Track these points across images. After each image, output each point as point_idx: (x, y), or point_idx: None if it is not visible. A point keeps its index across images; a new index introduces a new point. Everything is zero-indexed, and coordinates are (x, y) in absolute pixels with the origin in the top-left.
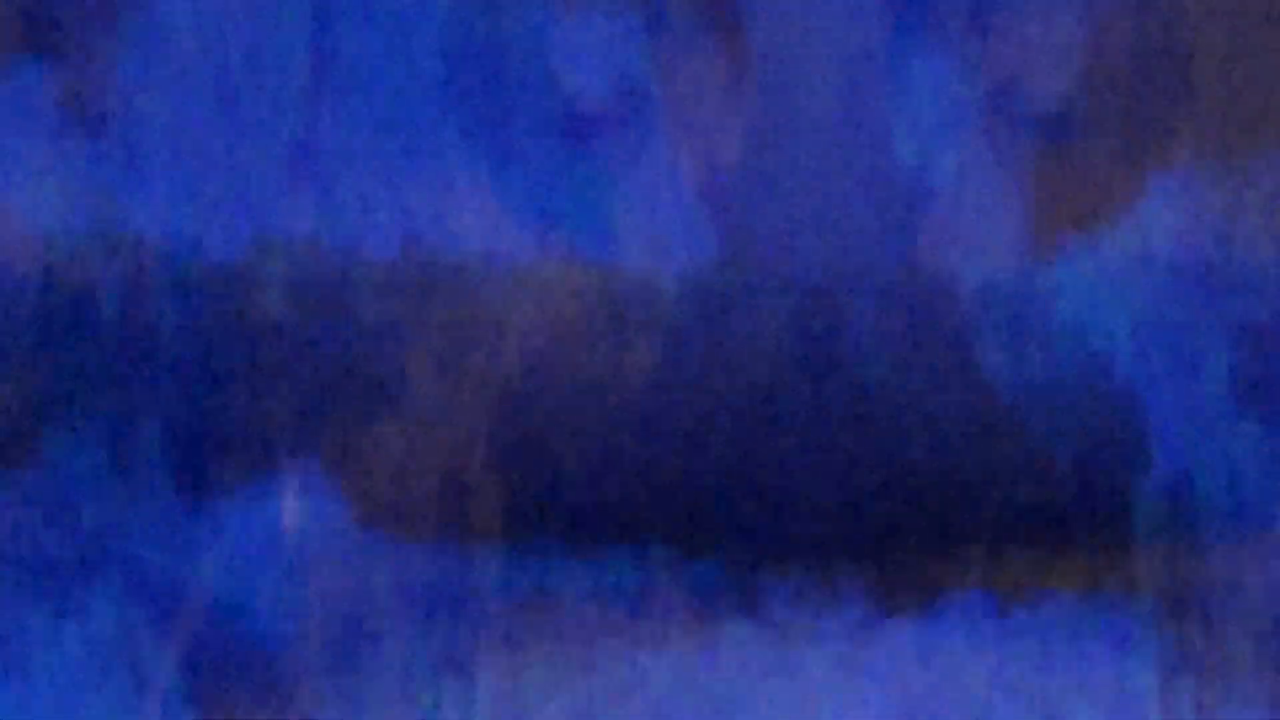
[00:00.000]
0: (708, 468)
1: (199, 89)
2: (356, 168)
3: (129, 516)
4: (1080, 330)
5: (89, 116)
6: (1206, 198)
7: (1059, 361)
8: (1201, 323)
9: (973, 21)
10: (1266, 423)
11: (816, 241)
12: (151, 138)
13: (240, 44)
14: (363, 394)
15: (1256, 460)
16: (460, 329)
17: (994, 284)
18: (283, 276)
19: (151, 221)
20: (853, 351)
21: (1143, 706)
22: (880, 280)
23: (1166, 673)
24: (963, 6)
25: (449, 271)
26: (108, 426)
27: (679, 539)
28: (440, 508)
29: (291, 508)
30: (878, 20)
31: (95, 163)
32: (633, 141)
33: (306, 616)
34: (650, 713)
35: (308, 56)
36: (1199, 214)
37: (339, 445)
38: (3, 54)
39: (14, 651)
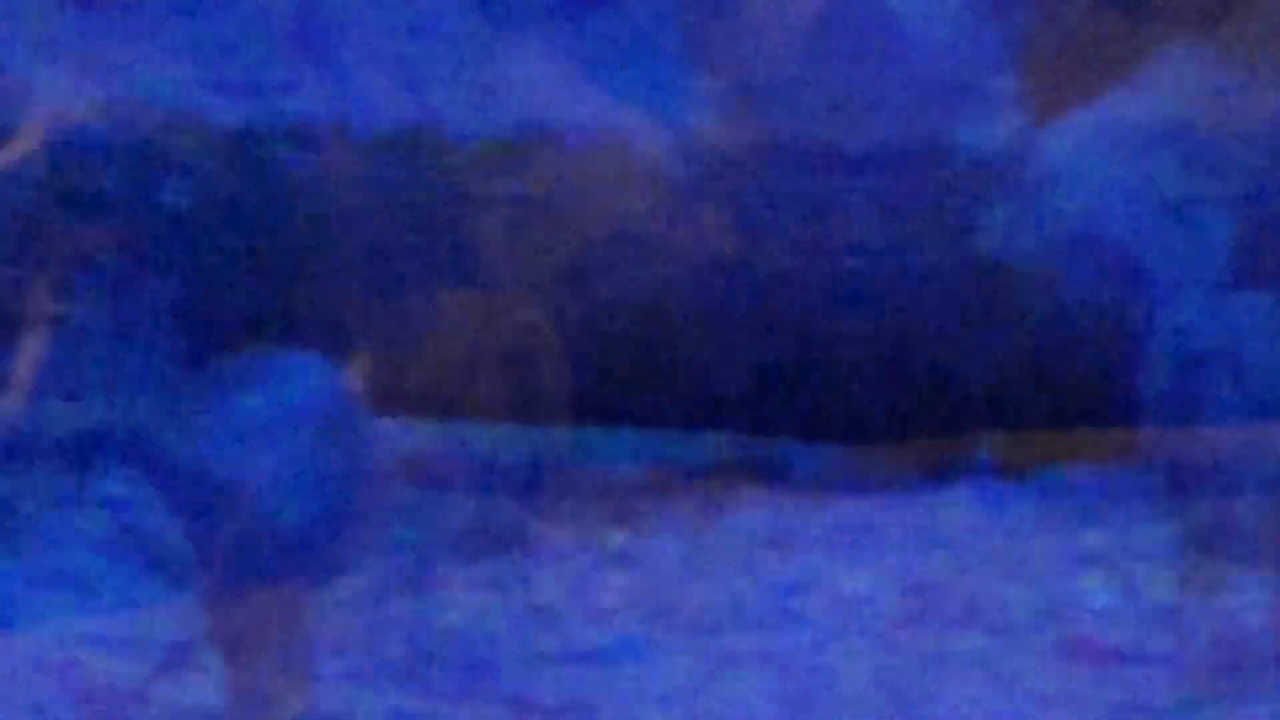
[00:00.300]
0: (718, 341)
1: None
2: (371, 41)
3: (139, 393)
4: (1079, 199)
5: None
6: (1208, 66)
7: (1058, 231)
8: (1202, 192)
9: None
10: (1267, 291)
11: (817, 109)
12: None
13: None
14: (380, 272)
15: (1257, 329)
16: (484, 205)
17: (993, 151)
18: (298, 148)
19: (161, 90)
20: (855, 221)
21: (1152, 581)
22: (880, 148)
23: (1175, 547)
24: None
25: (468, 145)
26: (118, 302)
27: (703, 413)
28: (484, 386)
29: (304, 386)
30: None
31: (102, 35)
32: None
33: (317, 494)
34: (683, 579)
35: None
36: (1200, 82)
37: (350, 325)
38: None
39: (25, 528)
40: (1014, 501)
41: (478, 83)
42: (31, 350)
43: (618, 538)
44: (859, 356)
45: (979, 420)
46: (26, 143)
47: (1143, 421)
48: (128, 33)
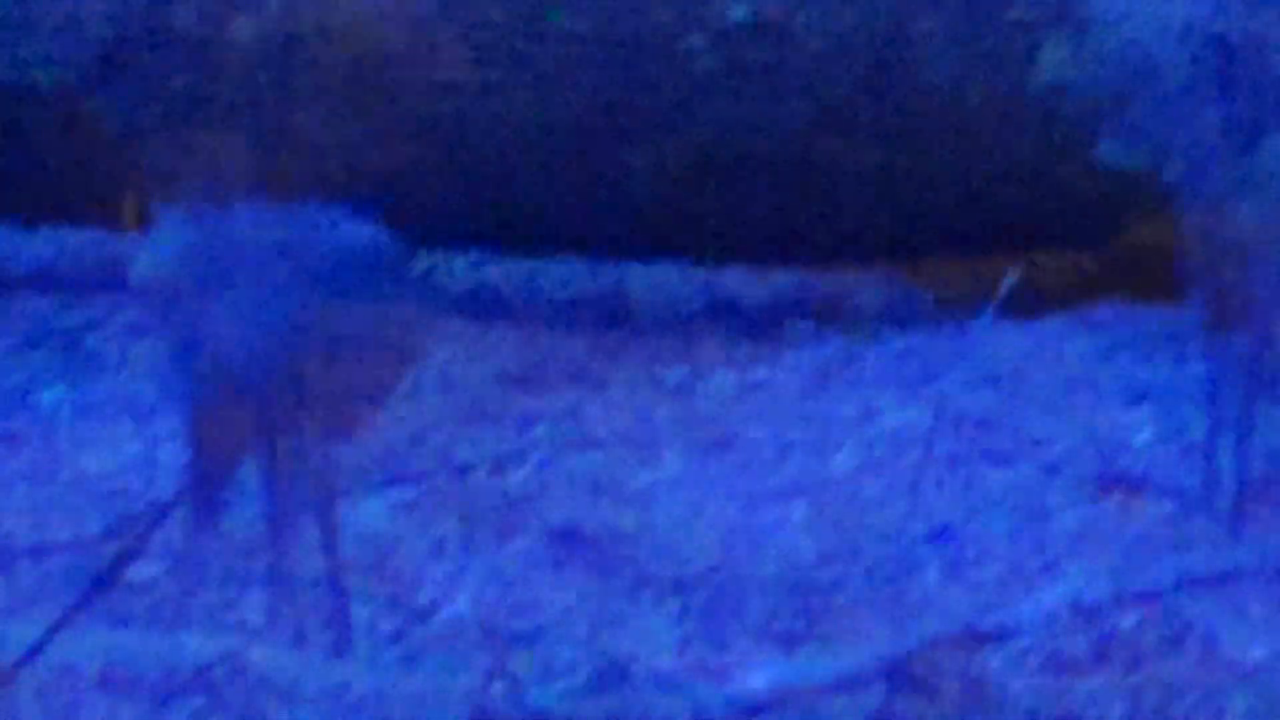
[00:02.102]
0: (765, 169)
1: None
2: None
3: None
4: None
5: None
6: None
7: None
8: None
9: None
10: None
11: None
12: None
13: None
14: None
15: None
16: None
17: None
18: None
19: None
20: (914, 55)
21: (1187, 412)
22: None
23: (1212, 378)
24: None
25: None
26: None
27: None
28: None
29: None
30: None
31: None
32: None
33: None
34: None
35: None
36: None
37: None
38: None
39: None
40: (1064, 335)
41: None
42: None
43: (676, 373)
44: (911, 184)
45: (1026, 245)
46: None
47: (1185, 257)
48: None
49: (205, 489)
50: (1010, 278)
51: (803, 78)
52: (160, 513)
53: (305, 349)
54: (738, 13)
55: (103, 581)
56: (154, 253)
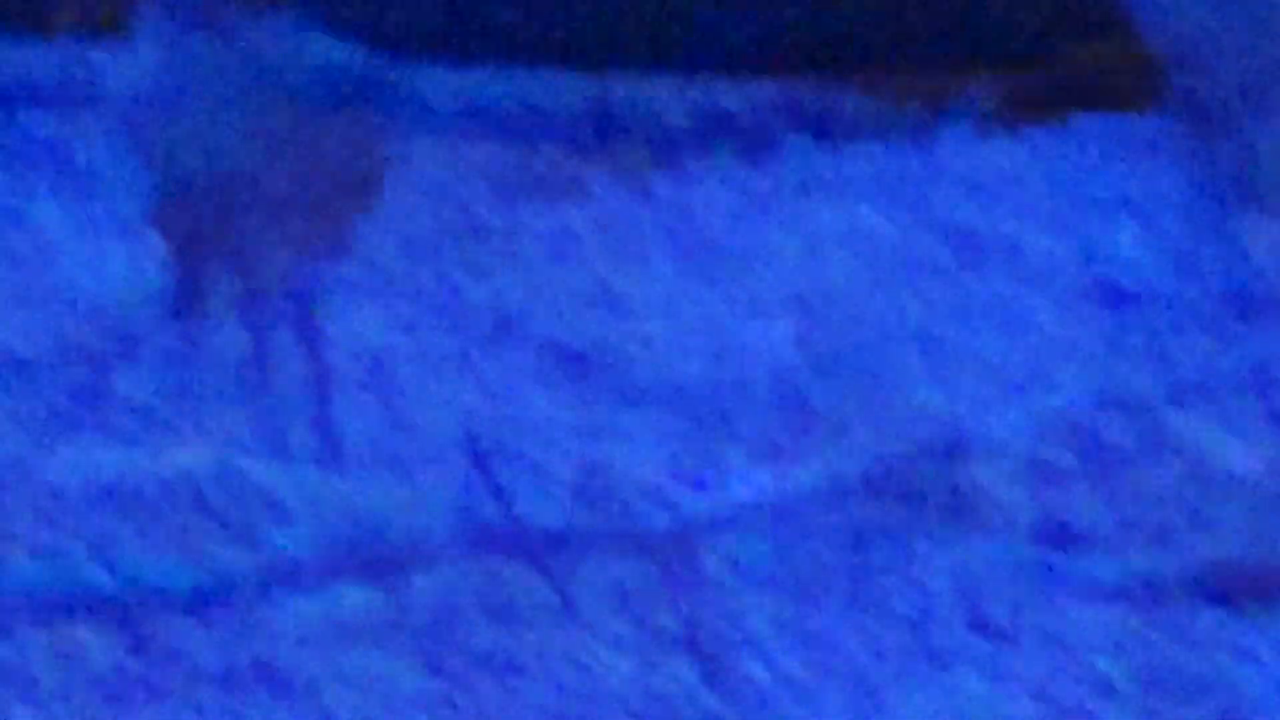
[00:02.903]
0: None
1: None
2: None
3: None
4: None
5: None
6: None
7: None
8: None
9: None
10: None
11: None
12: None
13: None
14: None
15: None
16: None
17: None
18: None
19: None
20: None
21: (1167, 219)
22: None
23: (1192, 186)
24: None
25: None
26: None
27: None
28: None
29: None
30: None
31: None
32: None
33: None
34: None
35: None
36: None
37: None
38: None
39: None
40: (1048, 146)
41: None
42: None
43: (664, 184)
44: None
45: (989, 64)
46: None
47: (1154, 63)
48: None
49: (185, 299)
50: (985, 90)
51: None
52: (144, 322)
53: (275, 162)
54: None
55: (89, 392)
56: (129, 65)
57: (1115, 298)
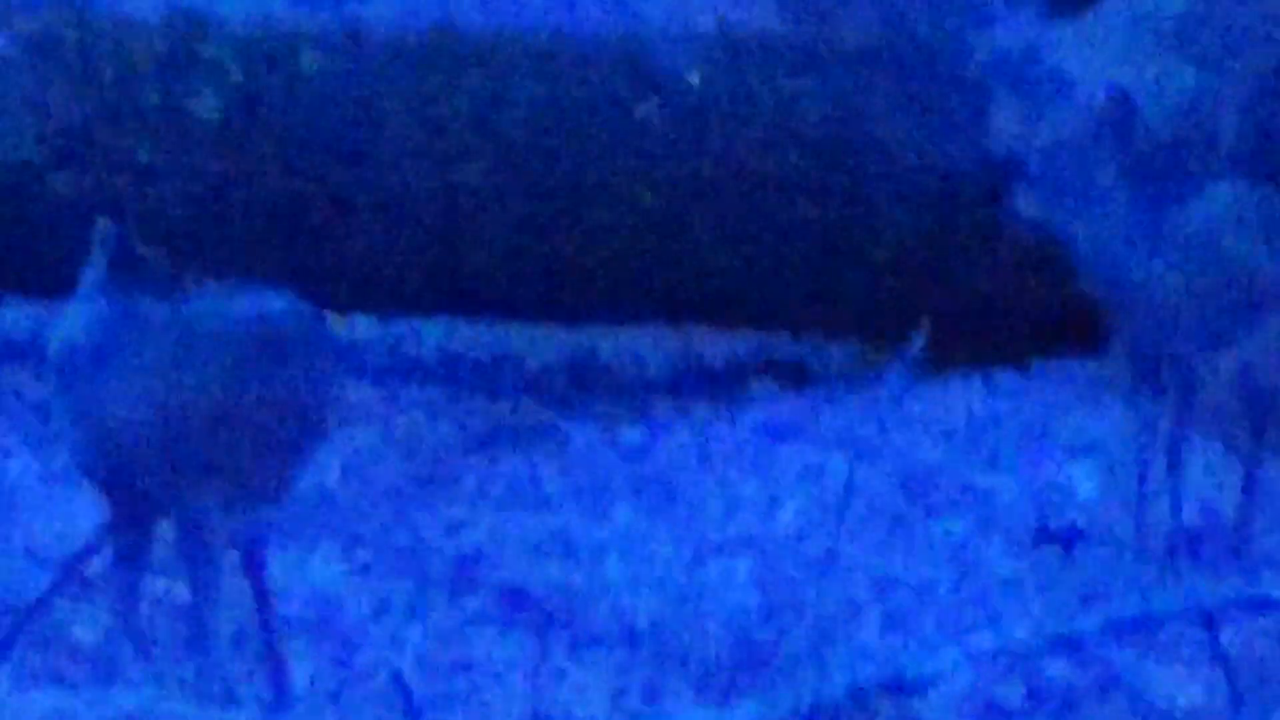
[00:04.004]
0: (711, 235)
1: None
2: None
3: None
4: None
5: None
6: None
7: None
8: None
9: None
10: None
11: (853, 11)
12: None
13: None
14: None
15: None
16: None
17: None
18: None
19: None
20: (874, 120)
21: (1118, 460)
22: (901, 47)
23: (1140, 430)
24: None
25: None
26: None
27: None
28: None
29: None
30: None
31: None
32: None
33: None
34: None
35: None
36: None
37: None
38: None
39: None
40: (1015, 390)
41: None
42: None
43: (635, 433)
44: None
45: (965, 317)
46: None
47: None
48: None
49: (128, 548)
50: (918, 337)
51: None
52: (76, 562)
53: (215, 411)
54: (694, 77)
55: (27, 629)
56: (67, 325)
57: (1066, 537)
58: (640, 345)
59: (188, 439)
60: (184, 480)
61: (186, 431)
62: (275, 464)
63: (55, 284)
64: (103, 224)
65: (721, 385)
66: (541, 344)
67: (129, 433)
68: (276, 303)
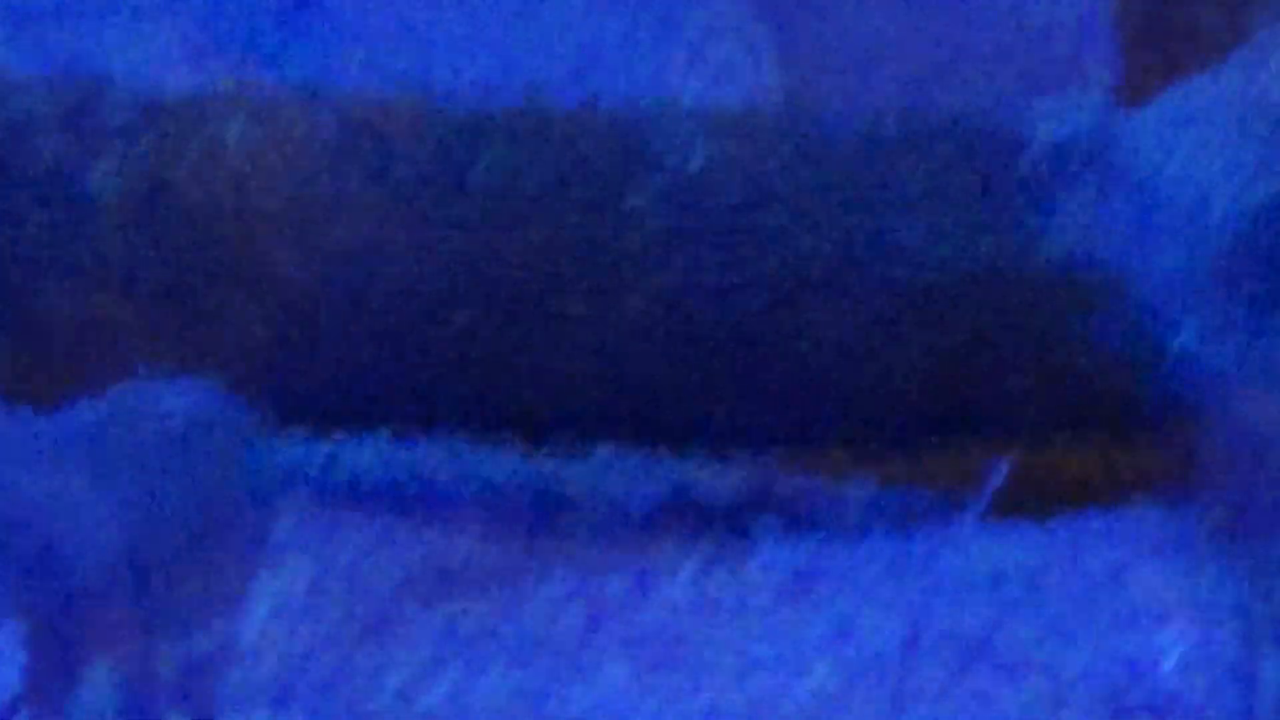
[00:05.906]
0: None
1: None
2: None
3: None
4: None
5: None
6: None
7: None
8: None
9: None
10: None
11: (874, 83)
12: None
13: None
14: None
15: None
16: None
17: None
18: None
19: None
20: (897, 211)
21: (1217, 627)
22: (938, 129)
23: (1241, 591)
24: None
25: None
26: None
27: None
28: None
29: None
30: None
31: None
32: None
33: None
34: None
35: None
36: None
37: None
38: None
39: None
40: (1080, 538)
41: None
42: None
43: (622, 578)
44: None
45: (1005, 443)
46: None
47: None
48: None
49: (49, 691)
50: (1001, 468)
51: (769, 238)
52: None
53: (144, 535)
54: (694, 164)
55: None
56: None
57: (1154, 715)
58: (621, 472)
59: (120, 562)
60: (115, 608)
61: (117, 554)
62: (221, 593)
63: None
64: None
65: (719, 524)
66: (507, 466)
67: (53, 557)
68: (210, 405)
